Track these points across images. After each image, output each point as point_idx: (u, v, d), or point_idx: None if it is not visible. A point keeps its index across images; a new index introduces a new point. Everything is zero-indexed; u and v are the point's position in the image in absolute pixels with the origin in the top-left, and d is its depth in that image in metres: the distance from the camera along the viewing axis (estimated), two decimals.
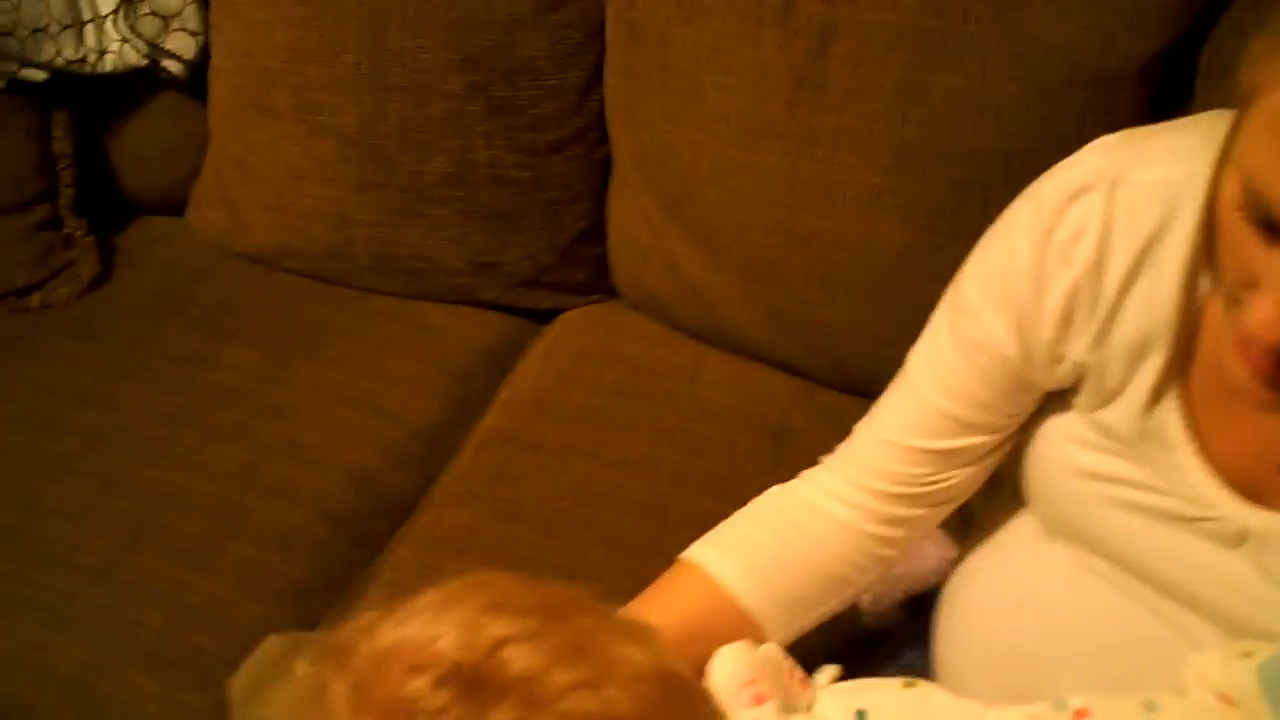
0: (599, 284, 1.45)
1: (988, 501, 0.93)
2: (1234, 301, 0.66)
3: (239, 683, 0.78)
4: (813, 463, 0.90)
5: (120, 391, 1.34)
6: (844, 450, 0.88)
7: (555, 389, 1.34)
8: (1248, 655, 0.72)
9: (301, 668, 0.58)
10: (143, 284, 1.51)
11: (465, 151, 1.36)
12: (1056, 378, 0.81)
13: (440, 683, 0.52)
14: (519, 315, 1.46)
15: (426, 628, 0.55)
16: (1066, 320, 0.78)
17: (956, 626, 0.91)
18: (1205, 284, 0.74)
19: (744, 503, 0.89)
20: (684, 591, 0.85)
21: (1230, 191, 0.64)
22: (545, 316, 1.46)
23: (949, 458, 0.84)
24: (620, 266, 1.42)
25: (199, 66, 1.51)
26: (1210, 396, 0.76)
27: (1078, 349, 0.78)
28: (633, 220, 1.37)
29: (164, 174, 1.60)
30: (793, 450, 1.13)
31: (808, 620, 0.87)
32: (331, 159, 1.40)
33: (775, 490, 0.89)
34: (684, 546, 0.87)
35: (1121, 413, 0.78)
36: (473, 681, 0.52)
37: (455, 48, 1.33)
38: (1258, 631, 0.74)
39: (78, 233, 1.53)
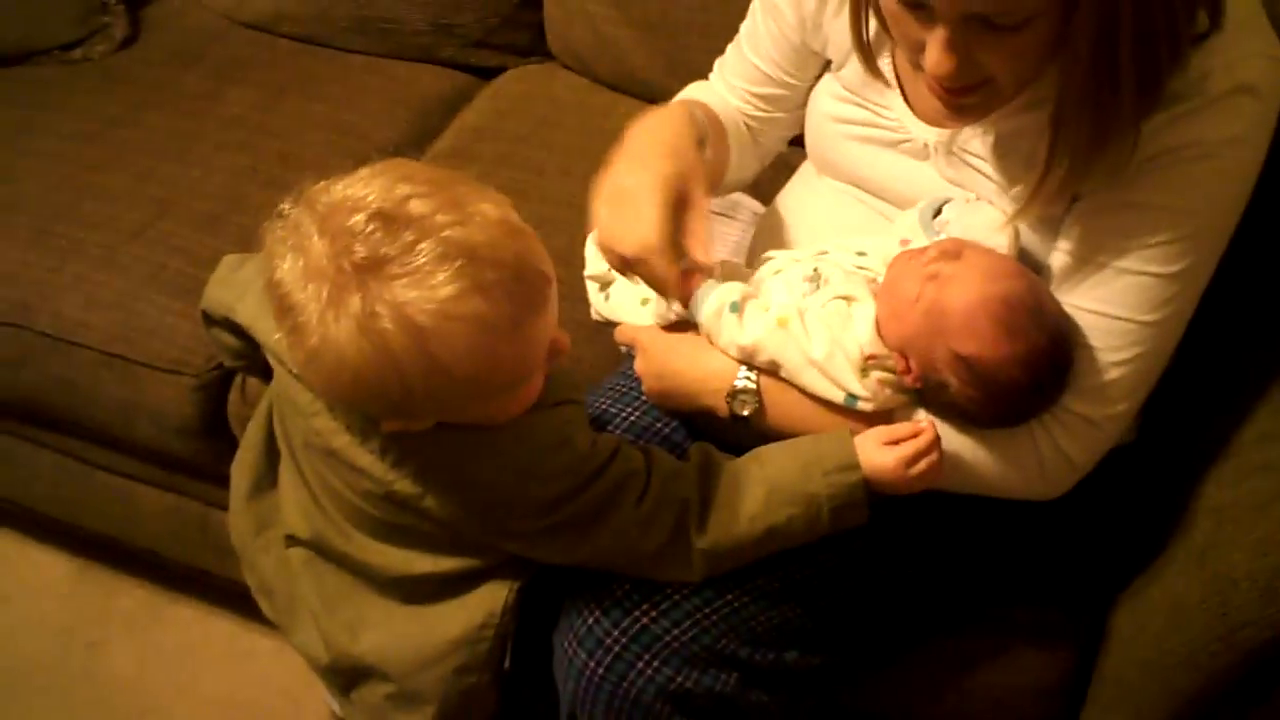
0: (538, 47, 1.77)
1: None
2: (914, 64, 0.96)
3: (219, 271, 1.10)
4: None
5: (147, 117, 1.67)
6: (718, 68, 1.27)
7: (494, 121, 1.67)
8: (914, 209, 1.06)
9: (284, 211, 0.85)
10: (165, 44, 1.84)
11: None
12: (820, 42, 1.13)
13: (370, 219, 0.81)
14: (471, 72, 1.79)
15: (361, 188, 0.85)
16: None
17: (767, 231, 1.25)
18: None
19: None
20: (699, 108, 1.17)
21: None
22: (492, 73, 1.78)
23: (763, 100, 1.22)
24: (553, 29, 1.73)
25: None
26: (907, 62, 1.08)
27: (827, 18, 1.10)
28: None
29: None
30: None
31: (743, 162, 1.25)
32: None
33: (698, 84, 1.28)
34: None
35: (853, 68, 1.10)
36: (389, 218, 0.81)
37: None
38: None
39: (111, 1, 1.84)
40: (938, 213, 1.05)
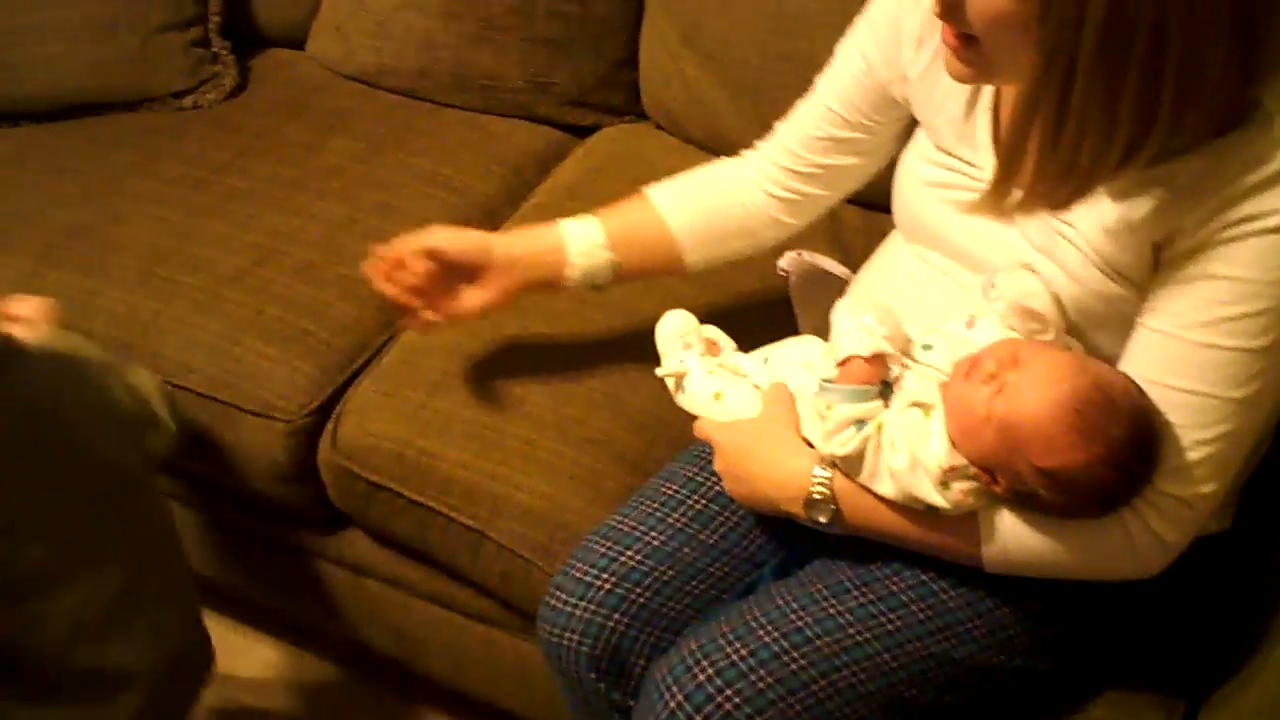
0: (632, 106, 1.80)
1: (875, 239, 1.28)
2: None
3: None
4: None
5: (252, 165, 1.72)
6: (768, 138, 1.26)
7: (585, 180, 1.69)
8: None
9: None
10: (272, 94, 1.89)
11: None
12: (903, 92, 1.13)
13: None
14: (566, 130, 1.82)
15: None
16: (917, 43, 1.10)
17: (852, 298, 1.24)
18: None
19: None
20: (633, 210, 1.27)
21: None
22: (587, 132, 1.81)
23: (833, 146, 1.21)
24: (648, 89, 1.75)
25: None
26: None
27: (917, 67, 1.10)
28: (658, 49, 1.70)
29: (290, 11, 1.97)
30: None
31: (714, 253, 1.27)
32: None
33: (724, 160, 1.29)
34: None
35: (947, 120, 1.09)
36: None
37: None
38: None
39: (222, 51, 1.91)
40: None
